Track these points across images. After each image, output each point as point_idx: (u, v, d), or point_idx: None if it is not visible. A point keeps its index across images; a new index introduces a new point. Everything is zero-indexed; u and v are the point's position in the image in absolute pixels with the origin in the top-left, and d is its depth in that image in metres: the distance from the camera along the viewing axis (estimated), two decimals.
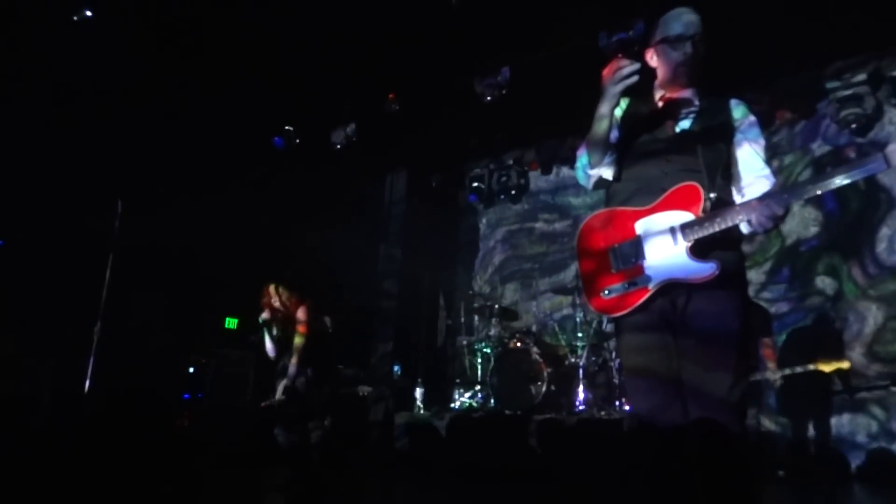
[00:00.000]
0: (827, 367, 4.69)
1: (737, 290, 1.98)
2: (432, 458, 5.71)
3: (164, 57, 5.76)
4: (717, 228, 1.90)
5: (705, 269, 1.89)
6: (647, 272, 1.98)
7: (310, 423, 4.39)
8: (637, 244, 2.02)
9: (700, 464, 1.88)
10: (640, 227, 2.03)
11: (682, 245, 1.93)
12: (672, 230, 1.96)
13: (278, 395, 4.33)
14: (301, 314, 4.49)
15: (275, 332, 4.56)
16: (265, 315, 4.55)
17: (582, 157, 2.24)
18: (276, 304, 4.55)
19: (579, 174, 2.27)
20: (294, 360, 4.37)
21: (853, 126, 5.89)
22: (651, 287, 1.97)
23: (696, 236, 1.92)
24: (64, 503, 3.59)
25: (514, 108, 6.40)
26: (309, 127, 7.27)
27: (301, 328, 4.45)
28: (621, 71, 1.96)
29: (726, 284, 1.93)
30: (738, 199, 2.06)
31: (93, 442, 4.78)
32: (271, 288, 4.60)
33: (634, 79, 1.99)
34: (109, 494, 3.97)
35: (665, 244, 1.97)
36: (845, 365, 4.97)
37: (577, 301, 6.36)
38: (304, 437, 4.38)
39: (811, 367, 4.70)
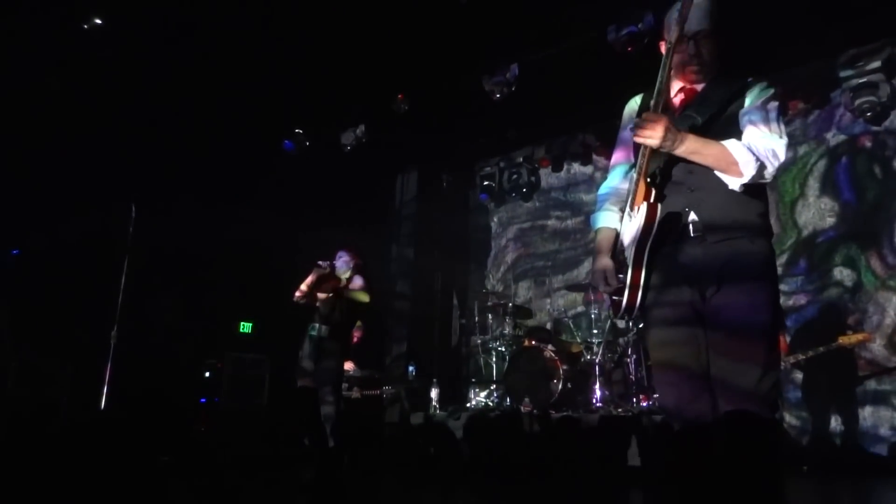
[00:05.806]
0: (847, 341, 4.65)
1: (767, 280, 1.96)
2: (449, 457, 5.69)
3: (174, 61, 5.79)
4: (639, 172, 2.01)
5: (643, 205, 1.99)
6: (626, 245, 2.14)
7: (322, 387, 4.34)
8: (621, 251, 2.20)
9: (729, 455, 1.86)
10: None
11: (626, 210, 2.11)
12: (621, 209, 2.18)
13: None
14: (360, 280, 4.55)
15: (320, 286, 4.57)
16: (326, 268, 4.53)
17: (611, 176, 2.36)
18: (340, 263, 4.63)
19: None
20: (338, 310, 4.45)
21: (868, 114, 5.80)
22: (628, 245, 2.09)
23: (631, 198, 2.06)
24: None
25: (523, 105, 6.36)
26: (318, 129, 7.28)
27: (357, 293, 4.48)
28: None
29: (756, 275, 1.91)
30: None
31: (111, 447, 4.80)
32: (347, 251, 4.70)
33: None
34: (128, 500, 3.97)
35: (625, 224, 2.13)
36: (865, 336, 4.92)
37: (592, 298, 6.32)
38: (316, 401, 4.36)
39: (833, 345, 4.68)
